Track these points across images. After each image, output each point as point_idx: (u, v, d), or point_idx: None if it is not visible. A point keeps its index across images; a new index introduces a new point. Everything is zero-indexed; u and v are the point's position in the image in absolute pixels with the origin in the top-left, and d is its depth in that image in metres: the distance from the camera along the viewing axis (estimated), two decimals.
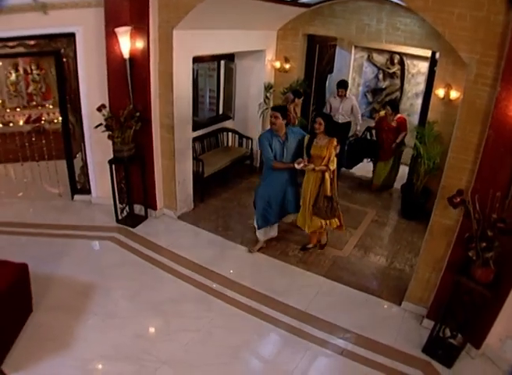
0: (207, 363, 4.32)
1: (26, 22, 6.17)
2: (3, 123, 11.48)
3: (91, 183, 7.31)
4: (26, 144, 10.11)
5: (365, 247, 6.65)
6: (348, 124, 9.26)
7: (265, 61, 8.69)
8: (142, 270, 5.73)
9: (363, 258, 6.35)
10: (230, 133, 9.31)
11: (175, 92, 6.35)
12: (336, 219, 6.03)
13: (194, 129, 7.44)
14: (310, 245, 6.50)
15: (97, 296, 5.18)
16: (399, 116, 8.31)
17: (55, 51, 6.71)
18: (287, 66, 8.74)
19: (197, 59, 6.99)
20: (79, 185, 7.46)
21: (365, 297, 5.47)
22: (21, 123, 11.58)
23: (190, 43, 6.42)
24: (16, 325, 4.52)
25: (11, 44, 6.55)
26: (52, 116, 11.76)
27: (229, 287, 5.47)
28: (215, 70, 9.06)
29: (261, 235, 6.38)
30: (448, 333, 4.49)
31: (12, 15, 6.13)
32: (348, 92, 9.10)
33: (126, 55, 6.17)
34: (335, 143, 5.61)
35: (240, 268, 5.95)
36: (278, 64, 8.79)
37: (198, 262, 5.95)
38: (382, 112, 8.55)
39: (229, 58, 8.92)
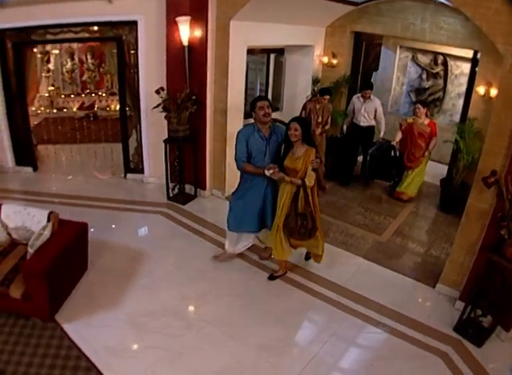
0: (249, 325, 4.66)
1: (92, 9, 6.71)
2: (58, 109, 12.13)
3: (144, 162, 7.79)
4: (80, 128, 10.72)
5: (403, 235, 6.86)
6: (371, 129, 8.72)
7: (314, 56, 9.01)
8: (190, 242, 6.13)
9: (400, 244, 6.56)
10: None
11: (229, 79, 6.73)
12: (319, 244, 5.27)
13: (245, 117, 7.81)
14: (279, 273, 5.50)
15: (148, 262, 5.60)
16: (430, 119, 7.89)
17: (117, 38, 7.18)
18: (334, 62, 9.04)
19: (248, 52, 7.35)
20: (132, 165, 7.94)
21: (401, 278, 5.69)
22: (75, 109, 12.19)
23: (245, 33, 6.79)
24: (72, 279, 5.00)
25: (76, 29, 7.07)
26: (105, 103, 12.35)
27: (270, 260, 5.80)
28: (265, 64, 9.46)
29: (230, 244, 5.59)
30: (479, 312, 4.68)
31: (79, 2, 6.69)
32: (373, 95, 8.54)
33: (185, 43, 6.58)
34: (312, 156, 4.70)
35: None
36: (325, 59, 9.10)
37: None
38: (410, 119, 7.94)
39: (279, 52, 9.32)
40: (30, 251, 4.32)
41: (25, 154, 8.10)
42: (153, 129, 7.33)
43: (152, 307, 4.80)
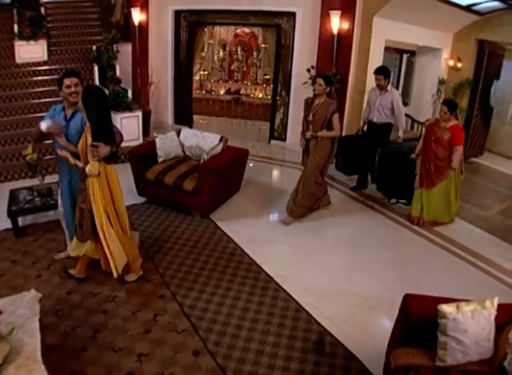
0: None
1: (258, 0, 8.42)
2: (206, 91, 13.97)
3: (288, 132, 9.26)
4: (227, 108, 12.45)
5: None
6: (386, 127, 7.18)
7: (441, 59, 10.07)
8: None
9: None
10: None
11: (369, 65, 7.99)
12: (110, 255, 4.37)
13: None
14: (71, 271, 4.74)
15: (282, 197, 7.02)
16: (453, 123, 5.93)
17: (277, 25, 8.71)
18: (459, 65, 10.04)
19: (384, 49, 8.57)
20: (276, 134, 9.47)
21: None
22: (221, 92, 13.96)
23: (385, 29, 8.04)
24: (227, 192, 6.75)
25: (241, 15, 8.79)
26: (249, 91, 13.99)
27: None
28: (398, 62, 10.69)
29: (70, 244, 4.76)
30: None
31: None
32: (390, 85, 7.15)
33: (335, 32, 7.93)
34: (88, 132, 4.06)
35: None
36: (451, 62, 10.12)
37: None
38: (433, 119, 6.54)
39: (411, 53, 10.50)
40: (206, 157, 6.08)
41: (184, 116, 9.92)
42: (298, 103, 8.73)
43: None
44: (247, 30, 13.39)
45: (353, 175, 7.73)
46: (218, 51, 14.06)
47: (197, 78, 13.91)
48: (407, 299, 3.34)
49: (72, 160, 4.18)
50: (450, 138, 5.88)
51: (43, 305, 3.65)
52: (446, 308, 3.02)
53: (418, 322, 3.20)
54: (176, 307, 4.45)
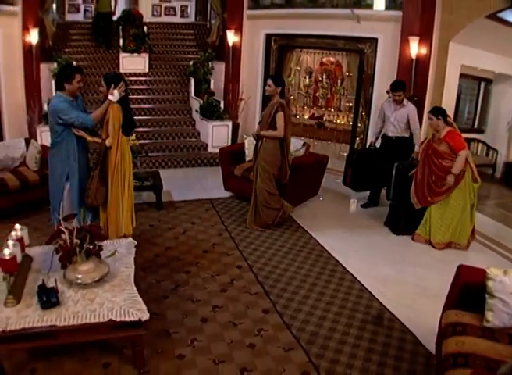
0: None
1: (343, 27, 9.10)
2: (291, 115, 14.65)
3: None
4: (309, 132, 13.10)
5: None
6: (402, 141, 7.04)
7: None
8: None
9: None
10: (480, 144, 11.05)
11: (445, 87, 8.35)
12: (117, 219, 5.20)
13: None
14: None
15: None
16: (447, 130, 5.75)
17: (360, 50, 9.35)
18: None
19: (461, 75, 8.92)
20: None
21: None
22: (306, 117, 14.62)
23: (461, 54, 8.37)
24: (305, 192, 7.35)
25: (328, 40, 9.50)
26: (332, 117, 14.54)
27: None
28: (476, 89, 10.98)
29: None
30: None
31: (334, 20, 9.23)
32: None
33: (413, 56, 8.41)
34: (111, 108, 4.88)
35: None
36: None
37: None
38: (430, 135, 6.20)
39: (488, 81, 10.77)
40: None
41: None
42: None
43: None
44: (332, 59, 14.01)
45: (363, 191, 7.56)
46: (305, 78, 14.78)
47: None
48: (461, 268, 3.72)
49: (90, 138, 5.02)
50: (448, 148, 5.68)
51: None
52: (493, 270, 3.38)
53: (469, 288, 3.57)
54: (251, 276, 5.12)
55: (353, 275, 5.25)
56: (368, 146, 7.85)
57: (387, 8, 8.88)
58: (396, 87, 6.84)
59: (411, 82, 8.49)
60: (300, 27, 9.66)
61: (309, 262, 5.51)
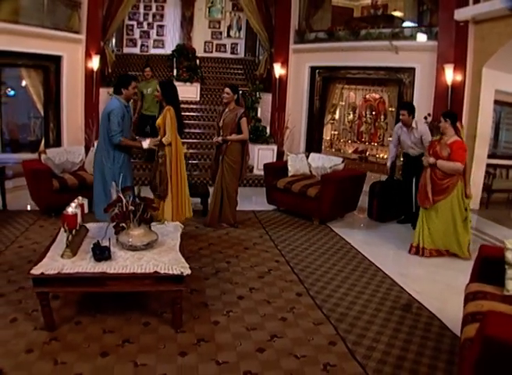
0: None
1: (382, 58, 9.64)
2: (336, 149, 15.10)
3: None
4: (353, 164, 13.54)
5: None
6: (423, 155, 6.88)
7: None
8: None
9: None
10: None
11: (480, 112, 8.63)
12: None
13: (493, 157, 9.55)
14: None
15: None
16: (454, 139, 5.88)
17: (399, 80, 9.82)
18: None
19: (499, 102, 9.21)
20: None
21: None
22: (349, 151, 15.03)
23: (494, 79, 8.63)
24: (343, 207, 7.76)
25: (368, 72, 9.99)
26: (375, 152, 14.89)
27: None
28: None
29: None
30: None
31: (373, 52, 9.80)
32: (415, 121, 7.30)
33: (449, 83, 8.79)
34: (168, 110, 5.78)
35: None
36: None
37: None
38: (437, 136, 6.24)
39: None
40: (329, 171, 7.29)
41: (314, 147, 11.54)
42: None
43: None
44: (375, 95, 14.53)
45: (390, 221, 7.76)
46: (349, 114, 15.29)
47: (328, 138, 15.17)
48: (483, 248, 4.06)
49: (152, 141, 5.76)
50: (448, 155, 5.75)
51: None
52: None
53: (490, 263, 3.87)
54: (288, 268, 5.54)
55: (384, 272, 5.56)
56: (387, 175, 8.21)
57: (428, 39, 9.33)
58: (402, 106, 7.46)
59: (447, 107, 8.82)
60: (342, 60, 10.35)
61: (343, 261, 5.85)
